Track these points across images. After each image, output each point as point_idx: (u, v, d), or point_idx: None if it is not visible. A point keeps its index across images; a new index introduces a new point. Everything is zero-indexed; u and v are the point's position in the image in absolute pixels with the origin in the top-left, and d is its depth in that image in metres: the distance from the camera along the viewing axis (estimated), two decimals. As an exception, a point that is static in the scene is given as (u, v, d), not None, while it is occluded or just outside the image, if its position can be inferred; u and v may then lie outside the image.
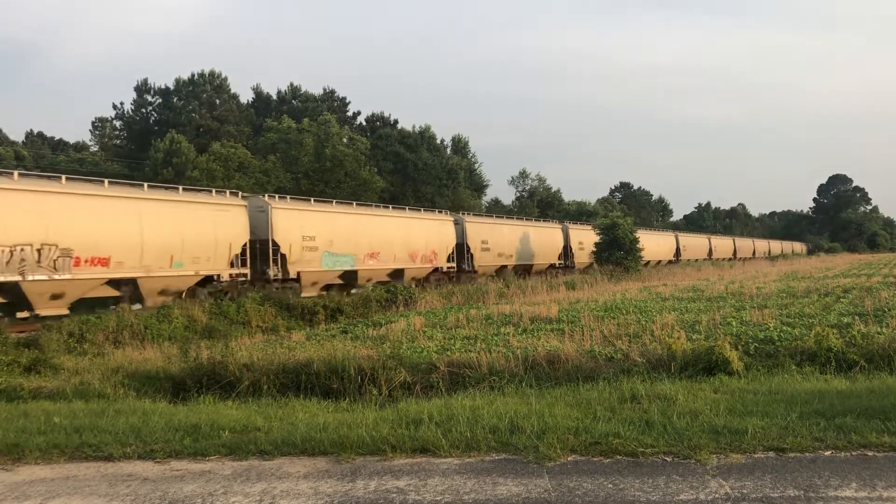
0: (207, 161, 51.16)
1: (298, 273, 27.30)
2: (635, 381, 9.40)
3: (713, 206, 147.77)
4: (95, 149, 74.18)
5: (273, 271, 26.26)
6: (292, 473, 6.49)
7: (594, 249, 47.30)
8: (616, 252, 45.04)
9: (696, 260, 70.45)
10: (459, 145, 78.24)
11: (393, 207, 38.24)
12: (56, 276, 19.12)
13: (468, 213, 43.65)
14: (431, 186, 66.01)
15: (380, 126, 73.74)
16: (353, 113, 77.59)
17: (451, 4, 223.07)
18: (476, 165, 78.24)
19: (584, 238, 52.00)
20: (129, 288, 21.47)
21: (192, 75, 66.75)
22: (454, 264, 37.90)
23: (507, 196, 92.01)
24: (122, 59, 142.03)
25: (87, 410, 9.02)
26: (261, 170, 52.92)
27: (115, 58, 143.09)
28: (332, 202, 32.27)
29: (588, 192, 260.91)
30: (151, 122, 66.66)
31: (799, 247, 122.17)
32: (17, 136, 76.48)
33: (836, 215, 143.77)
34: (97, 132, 76.97)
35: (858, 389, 8.67)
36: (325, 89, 76.61)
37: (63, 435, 7.75)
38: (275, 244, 26.54)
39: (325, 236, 28.71)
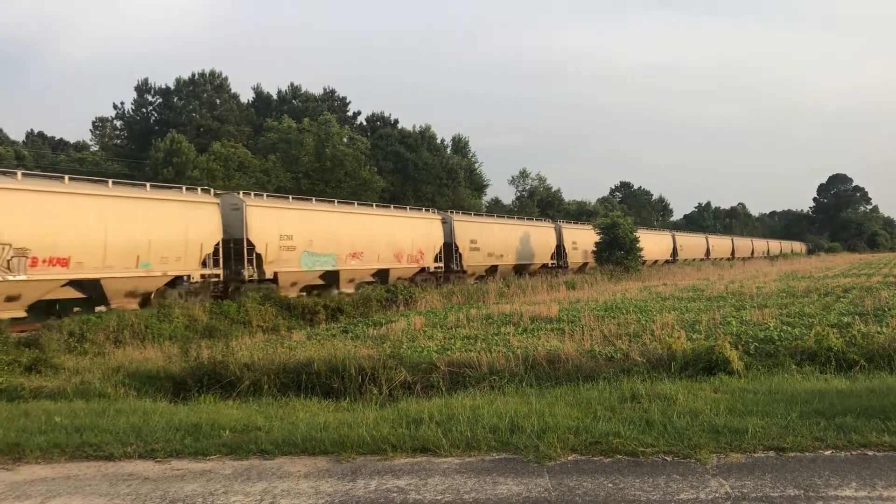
0: (208, 161, 51.17)
1: (275, 273, 26.36)
2: (635, 380, 9.42)
3: (713, 205, 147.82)
4: (96, 149, 74.15)
5: (248, 272, 25.32)
6: (293, 473, 6.50)
7: (594, 249, 47.25)
8: (616, 252, 45.10)
9: (694, 260, 70.37)
10: (459, 145, 78.25)
11: (377, 205, 37.20)
12: (10, 277, 18.14)
13: (457, 212, 42.65)
14: (432, 186, 66.01)
15: (380, 126, 73.76)
16: (354, 113, 77.70)
17: (451, 4, 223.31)
18: (476, 165, 78.26)
19: (578, 237, 51.57)
20: (92, 289, 20.58)
21: (193, 75, 66.86)
22: (442, 264, 36.94)
23: (508, 196, 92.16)
24: (122, 58, 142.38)
25: (87, 410, 9.03)
26: (261, 169, 52.91)
27: (116, 58, 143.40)
28: (311, 200, 31.30)
29: (588, 192, 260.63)
30: (152, 121, 66.68)
31: (799, 246, 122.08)
32: (18, 135, 76.54)
33: (836, 215, 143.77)
34: (97, 132, 76.98)
35: (858, 389, 8.69)
36: (325, 89, 76.72)
37: (64, 434, 7.76)
38: (250, 243, 25.52)
39: (304, 235, 27.69)
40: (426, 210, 40.58)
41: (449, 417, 7.75)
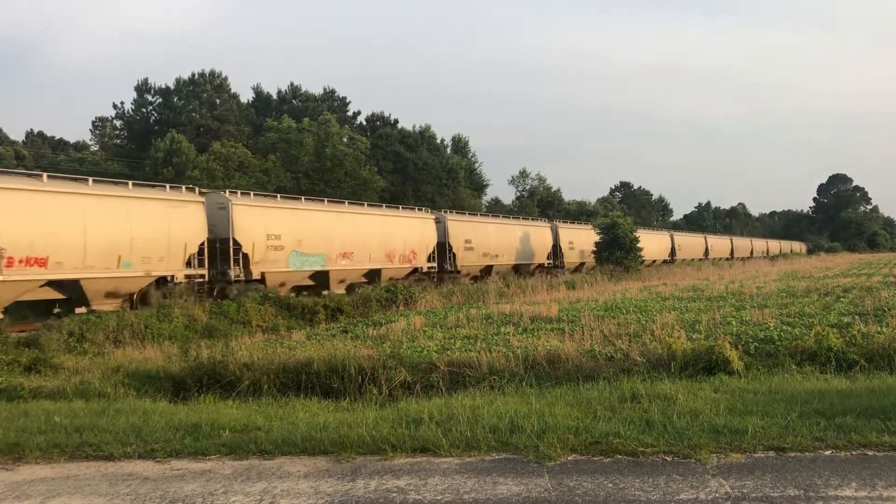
0: (208, 161, 51.19)
1: (263, 274, 25.82)
2: (635, 380, 9.41)
3: (713, 205, 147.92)
4: (96, 148, 74.19)
5: (234, 272, 24.74)
6: (293, 473, 6.49)
7: (594, 249, 47.25)
8: (616, 251, 45.11)
9: (693, 260, 70.32)
10: (459, 145, 78.27)
11: (368, 205, 36.62)
12: None
13: (451, 212, 42.21)
14: (432, 186, 66.03)
15: (380, 126, 73.78)
16: (354, 113, 77.72)
17: (451, 4, 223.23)
18: (476, 165, 78.31)
19: (575, 237, 51.30)
20: (72, 290, 20.17)
21: (193, 75, 66.88)
22: (435, 264, 36.50)
23: (508, 196, 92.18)
24: (122, 58, 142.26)
25: (87, 410, 9.02)
26: (261, 169, 52.93)
27: (116, 57, 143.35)
28: (300, 199, 30.66)
29: (588, 192, 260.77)
30: (152, 121, 66.70)
31: (799, 246, 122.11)
32: (18, 135, 76.61)
33: (836, 215, 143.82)
34: (97, 132, 77.02)
35: (858, 389, 8.68)
36: (325, 89, 76.74)
37: (63, 434, 7.76)
38: (236, 243, 24.91)
39: (293, 235, 27.16)
40: (420, 209, 40.21)
41: (449, 417, 7.75)
